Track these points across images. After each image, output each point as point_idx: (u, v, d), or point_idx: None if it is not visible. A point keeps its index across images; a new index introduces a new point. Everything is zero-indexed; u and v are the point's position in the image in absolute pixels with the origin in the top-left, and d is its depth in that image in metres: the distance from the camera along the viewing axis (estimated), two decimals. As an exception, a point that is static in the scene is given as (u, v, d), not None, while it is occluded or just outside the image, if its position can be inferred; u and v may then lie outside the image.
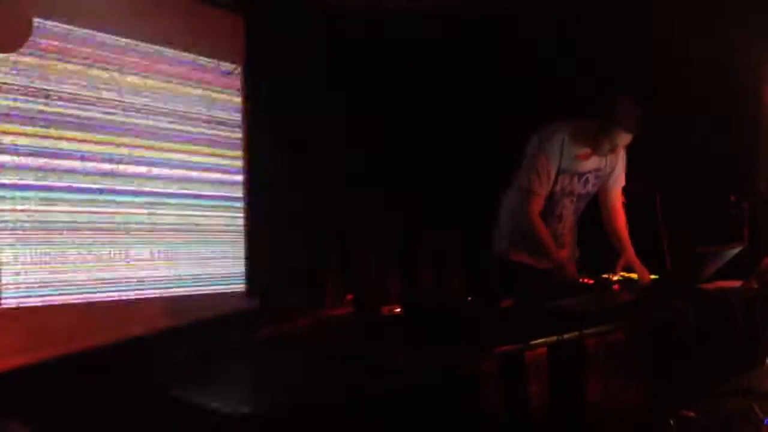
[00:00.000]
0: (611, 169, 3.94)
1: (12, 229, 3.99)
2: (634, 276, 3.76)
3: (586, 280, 3.65)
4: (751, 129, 5.14)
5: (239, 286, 5.60)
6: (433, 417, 3.33)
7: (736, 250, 3.57)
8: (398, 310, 3.62)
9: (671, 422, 3.74)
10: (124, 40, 4.63)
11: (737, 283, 3.67)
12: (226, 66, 5.44)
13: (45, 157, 4.16)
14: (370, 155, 6.36)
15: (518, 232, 3.91)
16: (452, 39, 6.35)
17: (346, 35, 6.10)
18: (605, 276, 3.72)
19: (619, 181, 4.01)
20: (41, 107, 4.14)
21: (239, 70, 5.55)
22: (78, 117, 4.34)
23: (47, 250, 4.17)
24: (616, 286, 3.63)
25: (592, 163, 3.84)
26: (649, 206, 4.36)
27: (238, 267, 5.59)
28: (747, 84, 5.12)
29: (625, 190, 4.23)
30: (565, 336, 2.94)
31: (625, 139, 3.68)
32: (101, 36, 4.47)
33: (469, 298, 3.38)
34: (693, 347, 3.91)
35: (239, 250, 5.60)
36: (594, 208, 4.14)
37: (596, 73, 5.35)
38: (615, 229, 3.98)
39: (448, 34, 6.28)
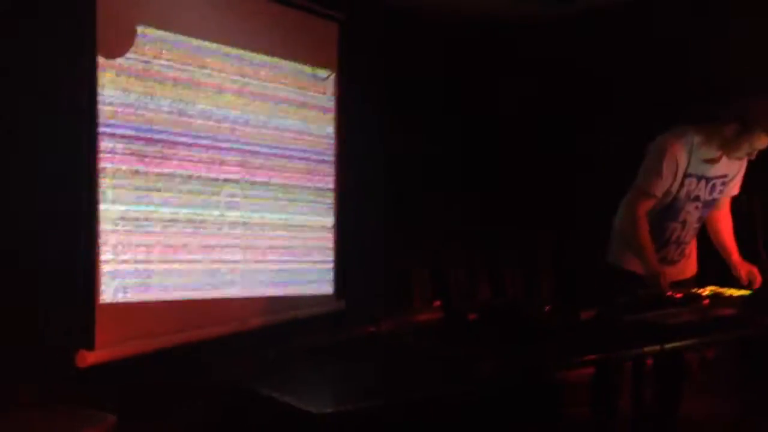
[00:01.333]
0: (734, 176, 3.83)
1: (113, 228, 4.15)
2: (725, 291, 3.64)
3: (675, 294, 3.55)
4: None
5: (328, 289, 5.69)
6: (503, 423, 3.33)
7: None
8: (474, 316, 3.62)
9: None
10: (222, 47, 4.77)
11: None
12: (321, 72, 5.53)
13: (144, 157, 4.31)
14: (463, 159, 6.39)
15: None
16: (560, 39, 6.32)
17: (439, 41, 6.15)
18: (695, 290, 3.62)
19: (736, 188, 3.90)
20: (143, 111, 4.29)
21: (333, 76, 5.64)
22: (178, 120, 4.49)
23: (146, 247, 4.32)
24: (706, 301, 3.52)
25: (721, 168, 3.73)
26: (747, 216, 4.23)
27: (327, 269, 5.68)
28: None
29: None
30: (646, 350, 2.88)
31: (765, 143, 3.59)
32: (198, 43, 4.60)
33: (547, 308, 3.33)
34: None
35: (329, 252, 5.68)
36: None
37: (716, 79, 5.24)
38: (723, 237, 3.86)
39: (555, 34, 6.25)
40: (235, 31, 4.85)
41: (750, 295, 3.58)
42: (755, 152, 3.63)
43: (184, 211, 4.56)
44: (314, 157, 5.55)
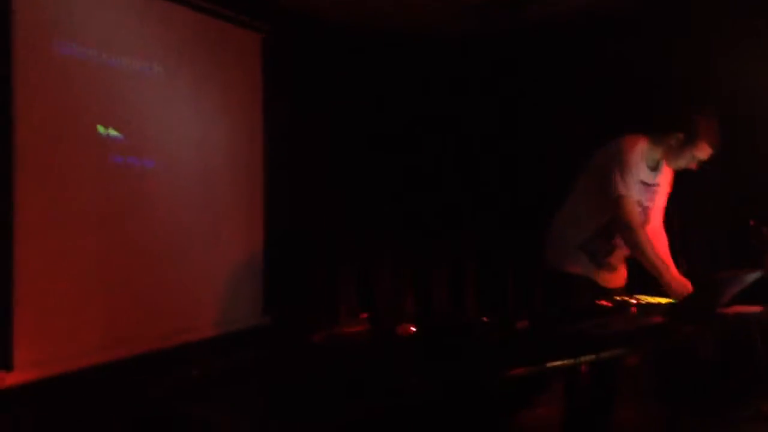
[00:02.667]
0: (664, 186, 3.92)
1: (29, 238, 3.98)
2: (652, 299, 3.70)
3: (604, 303, 3.60)
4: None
5: (256, 304, 5.59)
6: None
7: (755, 275, 3.52)
8: (413, 329, 3.60)
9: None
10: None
11: (757, 309, 3.61)
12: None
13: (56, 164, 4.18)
14: (389, 169, 6.39)
15: (577, 245, 3.84)
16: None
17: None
18: (623, 299, 3.68)
19: (664, 200, 3.98)
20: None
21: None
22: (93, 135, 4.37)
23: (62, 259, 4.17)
24: (633, 309, 3.57)
25: (659, 176, 3.84)
26: (669, 230, 4.33)
27: (255, 285, 5.58)
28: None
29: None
30: (581, 359, 2.90)
31: (705, 153, 3.68)
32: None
33: (484, 319, 3.33)
34: (711, 372, 3.86)
35: (257, 267, 5.59)
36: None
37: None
38: (659, 253, 3.92)
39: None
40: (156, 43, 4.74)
41: (674, 304, 3.65)
42: (696, 162, 3.73)
43: (105, 221, 4.41)
44: (241, 168, 5.46)
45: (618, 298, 3.66)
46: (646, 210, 3.85)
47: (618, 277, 3.95)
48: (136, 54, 4.60)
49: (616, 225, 3.72)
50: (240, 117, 5.44)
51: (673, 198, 4.09)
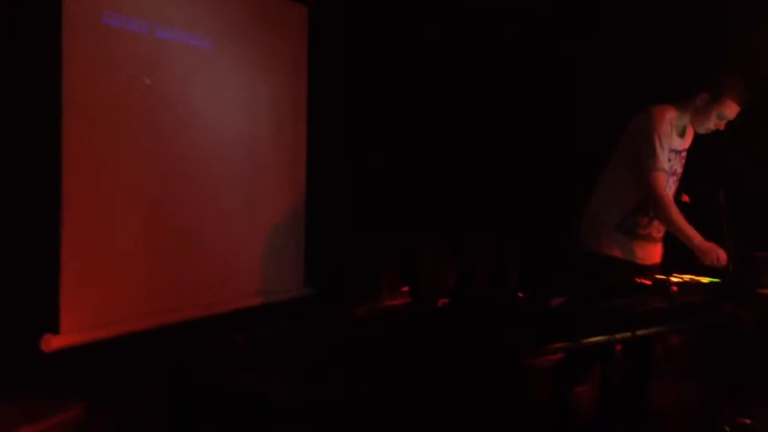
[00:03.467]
0: (685, 150, 3.88)
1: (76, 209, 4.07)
2: (694, 278, 3.66)
3: (643, 281, 3.57)
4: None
5: (298, 275, 5.64)
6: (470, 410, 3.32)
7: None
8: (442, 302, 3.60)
9: (727, 429, 3.64)
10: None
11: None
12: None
13: (108, 141, 4.25)
14: (433, 147, 6.37)
15: (614, 226, 3.81)
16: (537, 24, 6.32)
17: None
18: (663, 277, 3.64)
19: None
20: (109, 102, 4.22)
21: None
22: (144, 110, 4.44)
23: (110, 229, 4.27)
24: (674, 288, 3.53)
25: (685, 141, 3.81)
26: (713, 207, 4.26)
27: (298, 256, 5.64)
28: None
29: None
30: (617, 336, 2.89)
31: (733, 111, 3.63)
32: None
33: (520, 294, 3.32)
34: (751, 353, 3.79)
35: (299, 239, 5.65)
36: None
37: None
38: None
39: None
40: (203, 15, 4.78)
41: (718, 283, 3.60)
42: (724, 122, 3.68)
43: (147, 191, 4.49)
44: (285, 142, 5.50)
45: (659, 276, 3.63)
46: (678, 176, 3.81)
47: (656, 251, 3.90)
48: (183, 26, 4.65)
49: (649, 200, 3.69)
50: (285, 89, 5.48)
51: (716, 174, 4.03)
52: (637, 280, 3.52)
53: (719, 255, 3.59)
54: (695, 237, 3.63)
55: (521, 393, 3.54)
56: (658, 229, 3.85)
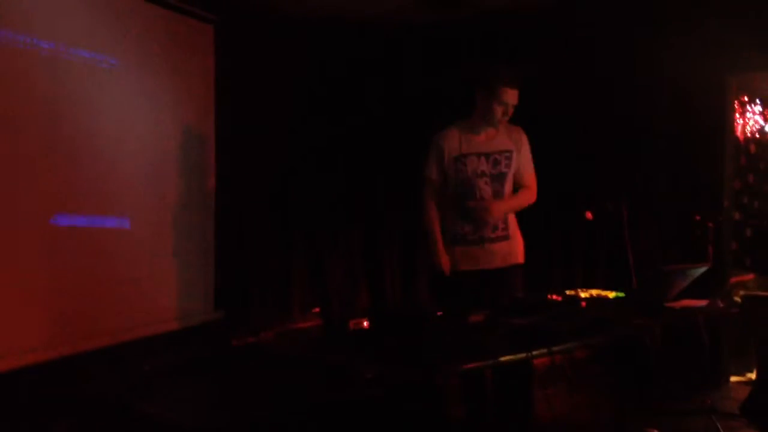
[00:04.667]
0: (517, 151, 3.99)
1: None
2: (603, 293, 3.76)
3: (553, 297, 3.64)
4: (715, 148, 5.22)
5: (207, 299, 5.54)
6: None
7: (702, 269, 3.59)
8: (365, 323, 3.59)
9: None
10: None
11: (703, 302, 3.70)
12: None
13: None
14: (340, 164, 6.38)
15: (447, 240, 3.96)
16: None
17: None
18: (573, 293, 3.72)
19: (527, 166, 4.05)
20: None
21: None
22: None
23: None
24: (583, 303, 3.63)
25: (497, 144, 3.94)
26: (616, 223, 4.40)
27: (206, 277, 5.54)
28: (711, 103, 5.21)
29: (592, 206, 4.25)
30: (534, 353, 2.93)
31: (511, 96, 3.81)
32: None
33: (439, 312, 3.34)
34: (658, 365, 3.93)
35: (209, 262, 5.55)
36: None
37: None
38: (484, 211, 4.01)
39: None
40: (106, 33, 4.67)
41: (624, 297, 3.71)
42: (510, 108, 3.85)
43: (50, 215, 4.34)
44: (193, 162, 5.41)
45: (568, 292, 3.71)
46: (497, 178, 3.94)
47: (508, 251, 3.97)
48: (86, 45, 4.51)
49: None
50: (192, 108, 5.39)
51: (619, 191, 4.17)
52: (549, 296, 3.59)
53: (444, 265, 3.83)
54: (432, 247, 3.90)
55: (437, 410, 3.56)
56: (490, 231, 3.94)
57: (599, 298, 3.71)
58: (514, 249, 3.98)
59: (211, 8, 5.45)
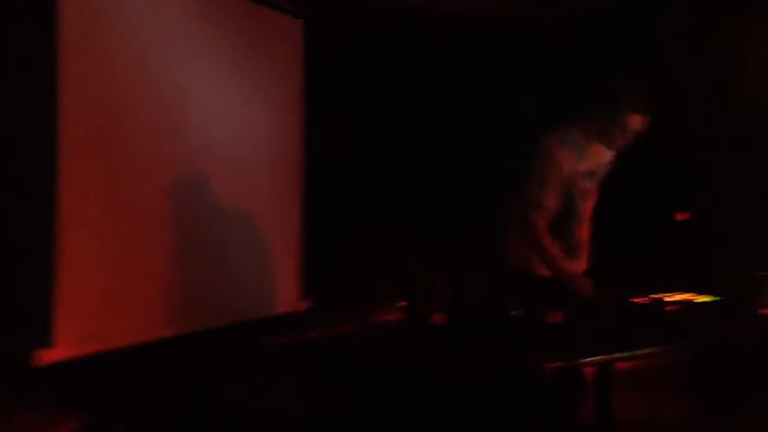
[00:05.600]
0: (605, 170, 3.77)
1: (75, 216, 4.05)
2: (691, 297, 3.66)
3: (638, 300, 3.55)
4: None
5: (295, 289, 5.62)
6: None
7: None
8: (445, 319, 3.58)
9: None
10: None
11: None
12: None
13: (108, 148, 4.26)
14: (430, 160, 6.37)
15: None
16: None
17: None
18: (659, 296, 3.63)
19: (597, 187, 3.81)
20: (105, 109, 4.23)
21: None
22: (143, 117, 4.44)
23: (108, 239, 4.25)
24: (669, 307, 3.53)
25: (602, 157, 3.65)
26: (707, 224, 4.26)
27: (293, 267, 5.62)
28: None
29: (683, 207, 4.11)
30: (616, 356, 2.88)
31: (639, 123, 3.46)
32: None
33: (514, 312, 3.29)
34: (750, 375, 3.79)
35: (296, 253, 5.63)
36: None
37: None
38: (581, 235, 3.78)
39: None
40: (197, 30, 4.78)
41: (714, 302, 3.60)
42: (632, 135, 3.51)
43: (147, 203, 4.47)
44: (281, 157, 5.49)
45: (654, 295, 3.62)
46: (591, 193, 3.70)
47: (581, 263, 3.78)
48: (179, 41, 4.64)
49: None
50: (280, 103, 5.48)
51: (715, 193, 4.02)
52: (634, 299, 3.51)
53: (581, 286, 3.46)
54: (561, 269, 3.50)
55: (521, 411, 3.51)
56: (578, 249, 3.76)
57: (687, 302, 3.61)
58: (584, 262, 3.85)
59: (302, 2, 5.51)
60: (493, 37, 6.32)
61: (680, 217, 4.03)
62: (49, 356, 3.78)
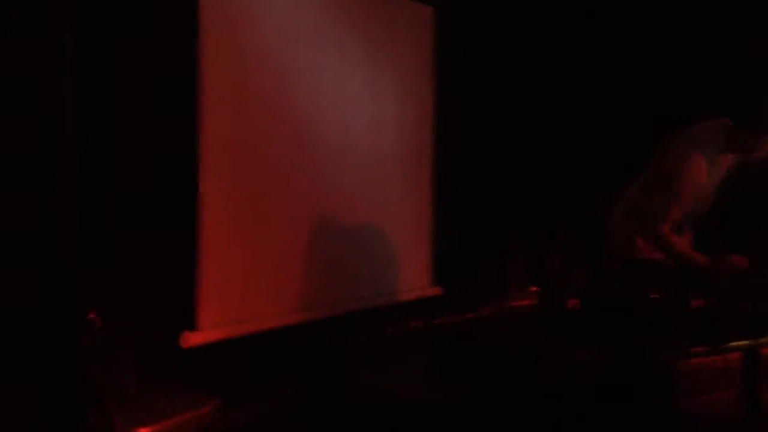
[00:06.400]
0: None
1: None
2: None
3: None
4: None
5: (425, 274, 5.65)
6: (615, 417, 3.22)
7: None
8: (582, 304, 3.51)
9: None
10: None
11: None
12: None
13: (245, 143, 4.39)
14: (560, 147, 6.24)
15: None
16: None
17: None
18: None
19: None
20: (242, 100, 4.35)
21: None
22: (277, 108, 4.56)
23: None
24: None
25: (722, 169, 3.53)
26: None
27: (424, 254, 5.65)
28: None
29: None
30: (762, 341, 2.74)
31: None
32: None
33: (653, 296, 3.19)
34: None
35: (425, 237, 5.65)
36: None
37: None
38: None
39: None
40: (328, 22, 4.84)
41: None
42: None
43: (283, 197, 4.59)
44: (412, 146, 5.52)
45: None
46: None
47: None
48: (310, 35, 4.71)
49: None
50: (410, 92, 5.49)
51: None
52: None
53: (733, 262, 3.31)
54: (695, 262, 3.39)
55: (667, 397, 3.40)
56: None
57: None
58: None
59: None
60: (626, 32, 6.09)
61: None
62: (194, 339, 3.96)
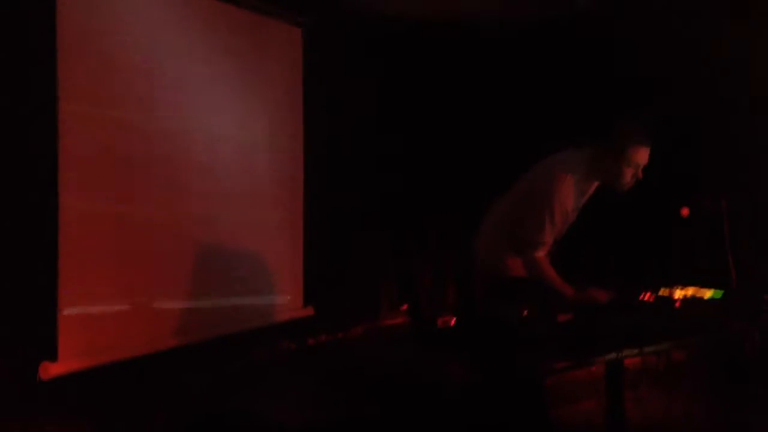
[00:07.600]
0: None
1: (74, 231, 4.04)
2: (699, 293, 3.63)
3: (647, 296, 3.54)
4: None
5: (296, 295, 5.62)
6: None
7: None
8: (453, 321, 3.58)
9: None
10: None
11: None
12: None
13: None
14: (429, 165, 6.36)
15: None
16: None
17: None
18: (667, 292, 3.61)
19: None
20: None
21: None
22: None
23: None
24: (677, 304, 3.52)
25: (587, 195, 3.61)
26: (714, 220, 4.24)
27: (296, 275, 5.62)
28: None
29: (689, 202, 4.07)
30: (625, 353, 2.87)
31: (643, 155, 3.40)
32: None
33: (524, 312, 3.28)
34: (756, 371, 3.78)
35: (297, 259, 5.62)
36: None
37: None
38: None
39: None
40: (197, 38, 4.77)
41: (721, 298, 3.58)
42: (640, 169, 3.44)
43: (146, 217, 4.45)
44: (282, 162, 5.49)
45: (662, 291, 3.60)
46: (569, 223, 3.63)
47: None
48: (177, 51, 4.62)
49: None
50: (281, 111, 5.47)
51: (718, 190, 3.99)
52: (642, 296, 3.49)
53: (596, 297, 3.39)
54: (564, 290, 3.41)
55: (529, 410, 3.51)
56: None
57: (694, 298, 3.59)
58: None
59: (300, 11, 5.50)
60: (495, 43, 6.29)
61: (686, 212, 4.01)
62: (54, 369, 3.77)
